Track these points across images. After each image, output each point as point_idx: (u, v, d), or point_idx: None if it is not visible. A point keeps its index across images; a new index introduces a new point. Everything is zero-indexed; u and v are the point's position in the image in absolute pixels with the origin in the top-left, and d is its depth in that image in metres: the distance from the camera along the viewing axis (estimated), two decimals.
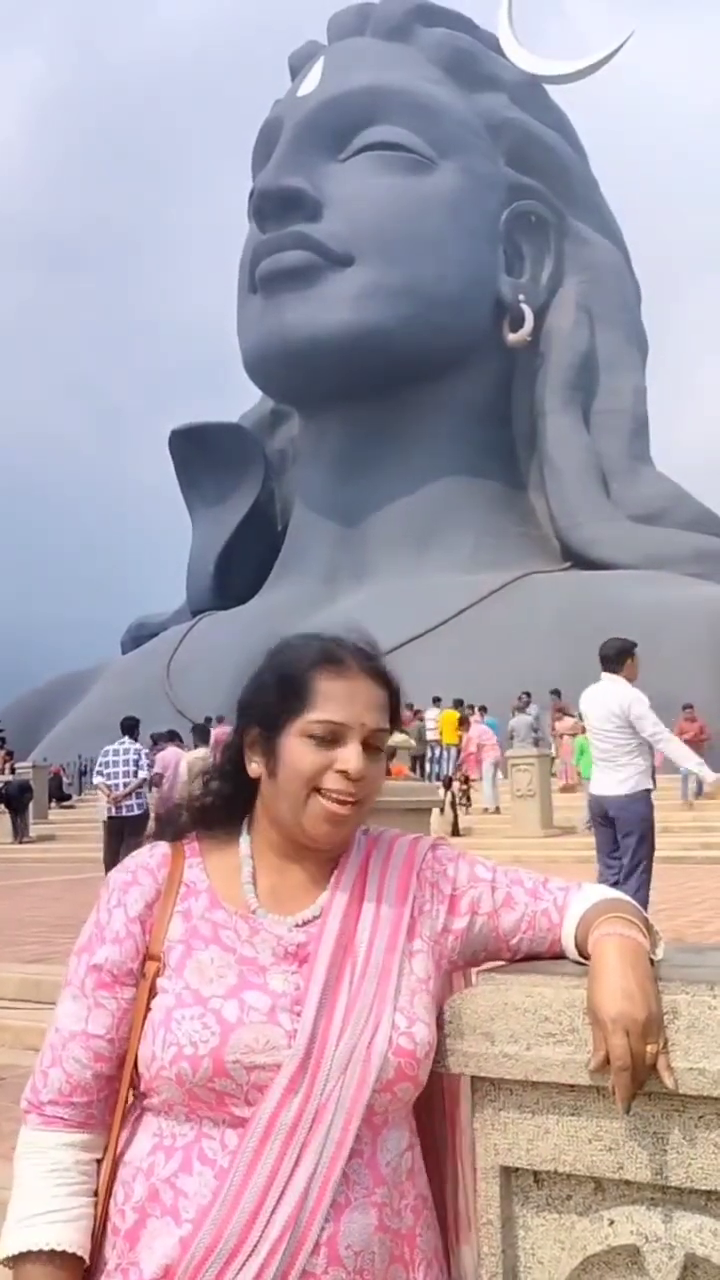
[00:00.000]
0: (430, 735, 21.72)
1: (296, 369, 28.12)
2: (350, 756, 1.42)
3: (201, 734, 12.76)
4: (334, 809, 1.42)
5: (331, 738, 1.43)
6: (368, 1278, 1.34)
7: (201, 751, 11.27)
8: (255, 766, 1.48)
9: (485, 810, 18.85)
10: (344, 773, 1.41)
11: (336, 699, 1.44)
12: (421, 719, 21.76)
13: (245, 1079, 1.34)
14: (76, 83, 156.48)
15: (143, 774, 12.08)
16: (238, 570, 32.10)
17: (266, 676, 1.49)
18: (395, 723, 1.51)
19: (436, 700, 22.19)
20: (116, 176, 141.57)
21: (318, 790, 1.42)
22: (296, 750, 1.43)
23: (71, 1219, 1.38)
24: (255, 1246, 1.28)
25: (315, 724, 1.43)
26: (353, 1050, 1.36)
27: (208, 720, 18.24)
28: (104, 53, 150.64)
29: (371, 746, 1.45)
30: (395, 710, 1.50)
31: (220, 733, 12.64)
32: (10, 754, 22.73)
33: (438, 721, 21.91)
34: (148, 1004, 1.42)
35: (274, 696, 1.46)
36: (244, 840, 1.51)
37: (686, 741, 17.25)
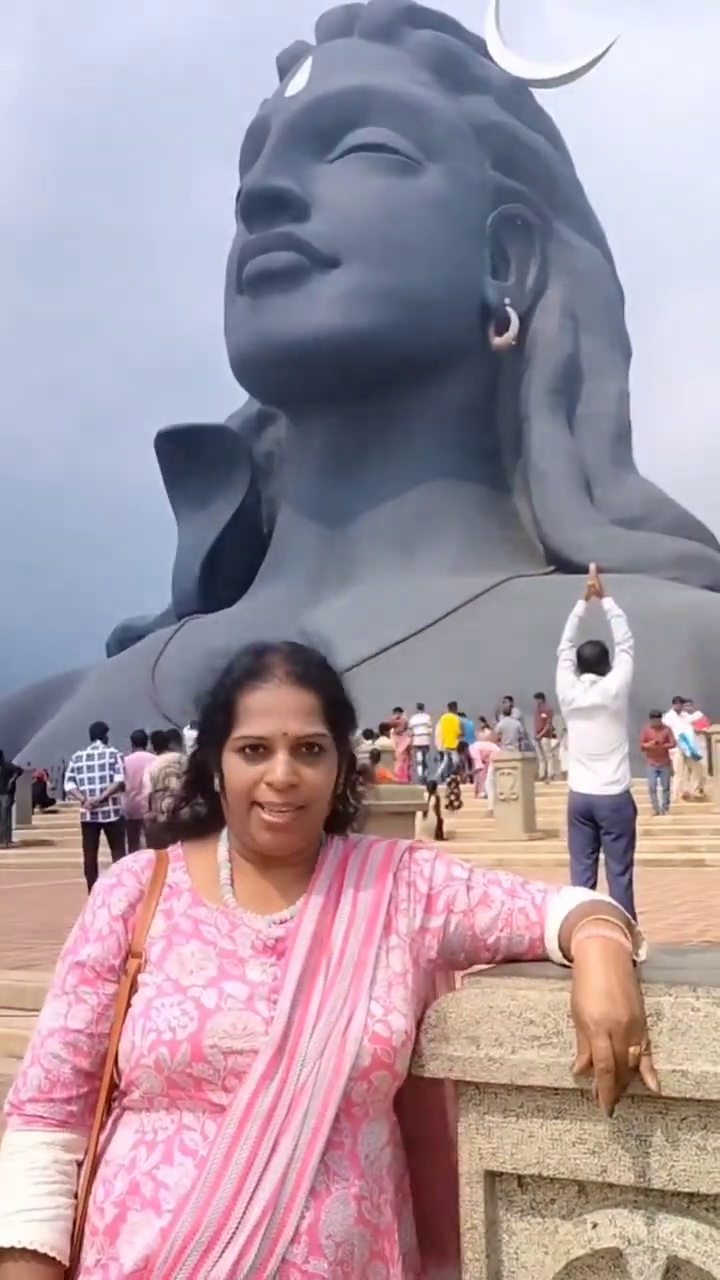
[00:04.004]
0: (419, 740, 21.67)
1: (283, 370, 28.13)
2: (274, 767, 1.45)
3: (160, 742, 12.67)
4: (270, 819, 1.46)
5: (261, 750, 1.46)
6: (348, 1270, 1.35)
7: (165, 759, 11.14)
8: (217, 782, 1.53)
9: (490, 814, 18.89)
10: (270, 784, 1.45)
11: (257, 713, 1.47)
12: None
13: (222, 1064, 1.36)
14: (58, 82, 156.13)
15: (119, 778, 11.92)
16: (224, 573, 32.08)
17: (205, 699, 1.54)
18: (337, 723, 1.52)
19: (421, 706, 22.17)
20: (101, 175, 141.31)
21: (256, 804, 1.46)
22: (231, 767, 1.48)
23: (46, 1218, 1.39)
24: (234, 1232, 1.30)
25: (240, 739, 1.47)
26: (328, 1037, 1.38)
27: (192, 724, 18.03)
28: (88, 51, 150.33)
29: (306, 750, 1.47)
30: (333, 713, 1.51)
31: (132, 759, 12.62)
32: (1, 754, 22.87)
33: (426, 726, 21.88)
34: (128, 1000, 1.44)
35: (211, 718, 1.52)
36: (222, 846, 1.54)
37: (652, 748, 17.30)
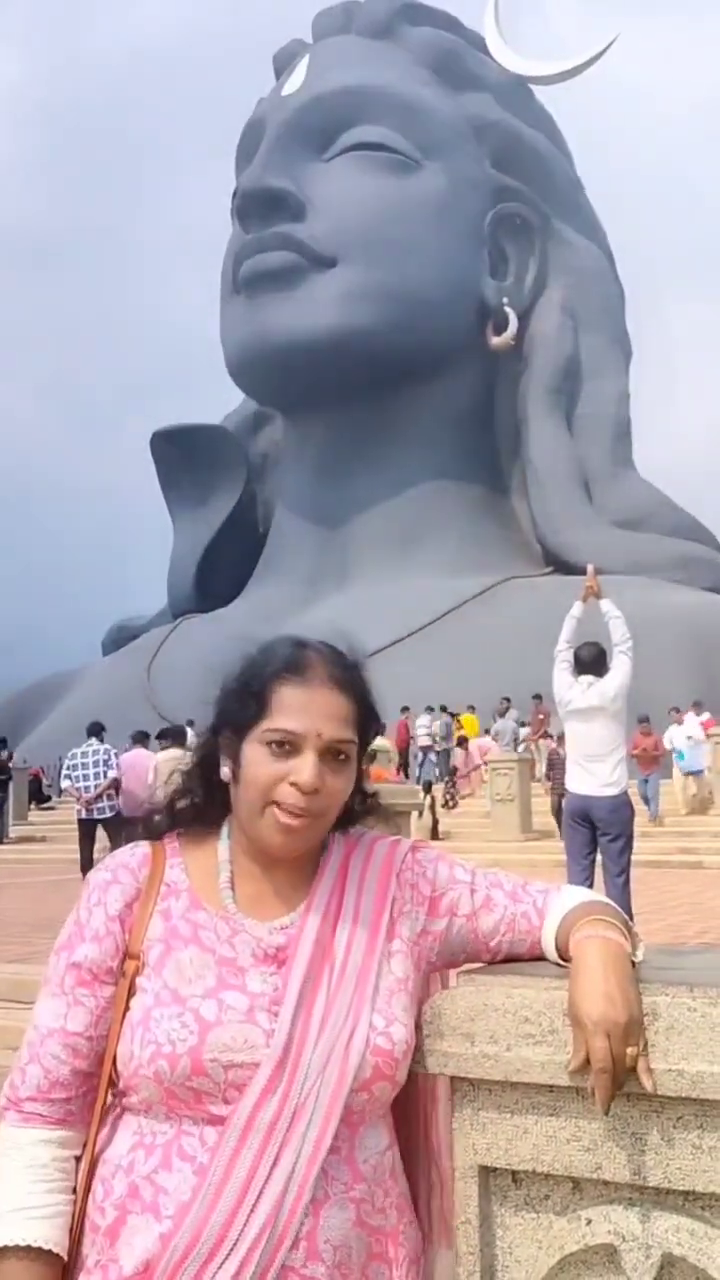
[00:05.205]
0: (423, 741, 21.69)
1: (279, 370, 28.10)
2: (303, 768, 1.42)
3: (176, 736, 12.79)
4: (286, 821, 1.42)
5: (288, 747, 1.43)
6: (346, 1272, 1.35)
7: (171, 753, 11.27)
8: (226, 770, 1.49)
9: (487, 814, 18.90)
10: (296, 785, 1.41)
11: (293, 708, 1.44)
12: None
13: (223, 1078, 1.35)
14: (53, 80, 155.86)
15: (112, 774, 12.16)
16: (219, 573, 32.06)
17: (234, 682, 1.50)
18: (365, 734, 1.50)
19: (430, 709, 22.24)
20: (96, 173, 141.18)
21: (273, 802, 1.43)
22: (254, 758, 1.44)
23: (47, 1215, 1.39)
24: (235, 1245, 1.29)
25: (270, 732, 1.43)
26: (330, 1050, 1.37)
27: (189, 723, 18.24)
28: (83, 50, 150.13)
29: (333, 757, 1.45)
30: (363, 721, 1.49)
31: (131, 756, 12.75)
32: (3, 741, 22.98)
33: (427, 727, 21.91)
34: (127, 1002, 1.42)
35: (238, 702, 1.48)
36: (223, 844, 1.52)
37: (640, 754, 17.19)
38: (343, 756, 1.46)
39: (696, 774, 18.04)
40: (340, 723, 1.45)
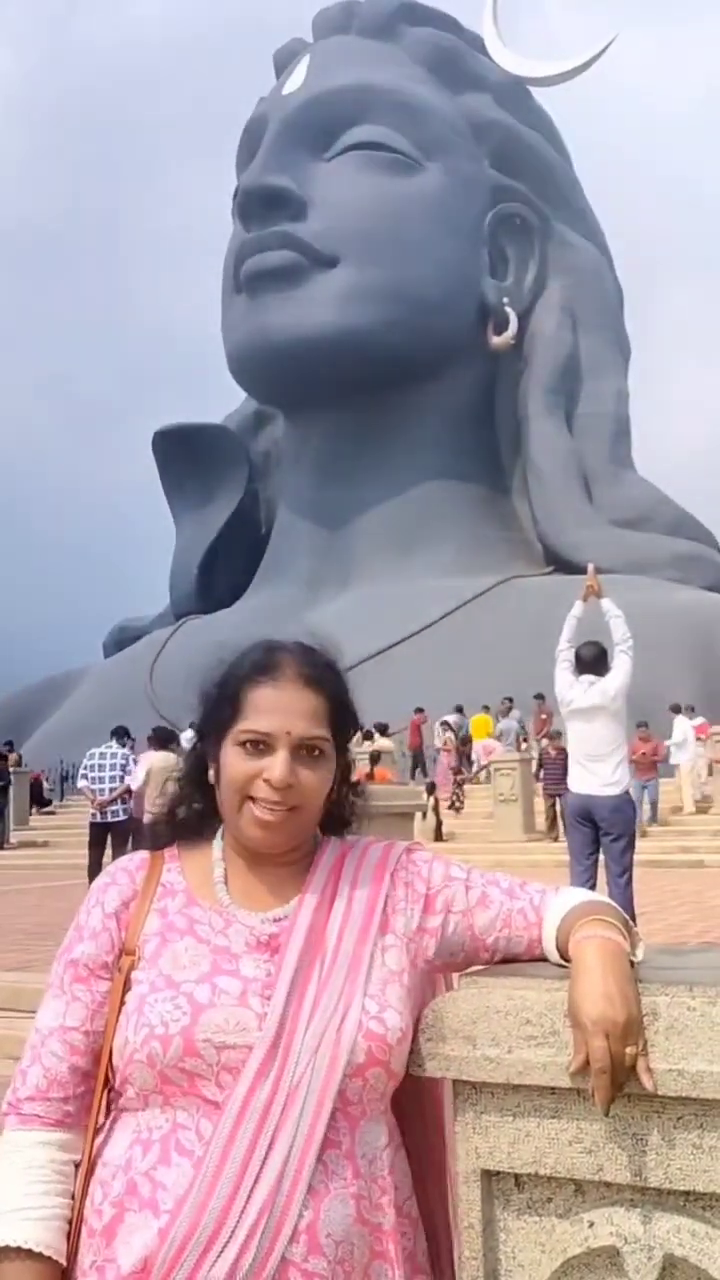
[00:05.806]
0: (440, 742, 21.73)
1: (280, 370, 28.09)
2: (274, 765, 1.45)
3: (165, 739, 12.77)
4: (261, 815, 1.46)
5: (262, 746, 1.47)
6: (349, 1269, 1.35)
7: (163, 756, 11.26)
8: (212, 774, 1.53)
9: (490, 815, 18.91)
10: (268, 780, 1.45)
11: (263, 709, 1.47)
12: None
13: (216, 1059, 1.36)
14: (51, 76, 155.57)
15: (129, 780, 12.08)
16: (221, 573, 32.03)
17: (211, 687, 1.54)
18: (340, 728, 1.52)
19: (459, 708, 22.27)
20: (96, 171, 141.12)
21: (249, 798, 1.46)
22: (229, 758, 1.48)
23: (43, 1217, 1.39)
24: (234, 1230, 1.30)
25: (243, 733, 1.47)
26: (323, 1033, 1.38)
27: (191, 725, 18.14)
28: (81, 44, 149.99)
29: (307, 753, 1.48)
30: (338, 717, 1.52)
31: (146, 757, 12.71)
32: (10, 744, 22.98)
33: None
34: (122, 998, 1.44)
35: (215, 707, 1.52)
36: (217, 844, 1.55)
37: (639, 759, 17.09)
38: (317, 752, 1.49)
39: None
40: (311, 719, 1.48)
